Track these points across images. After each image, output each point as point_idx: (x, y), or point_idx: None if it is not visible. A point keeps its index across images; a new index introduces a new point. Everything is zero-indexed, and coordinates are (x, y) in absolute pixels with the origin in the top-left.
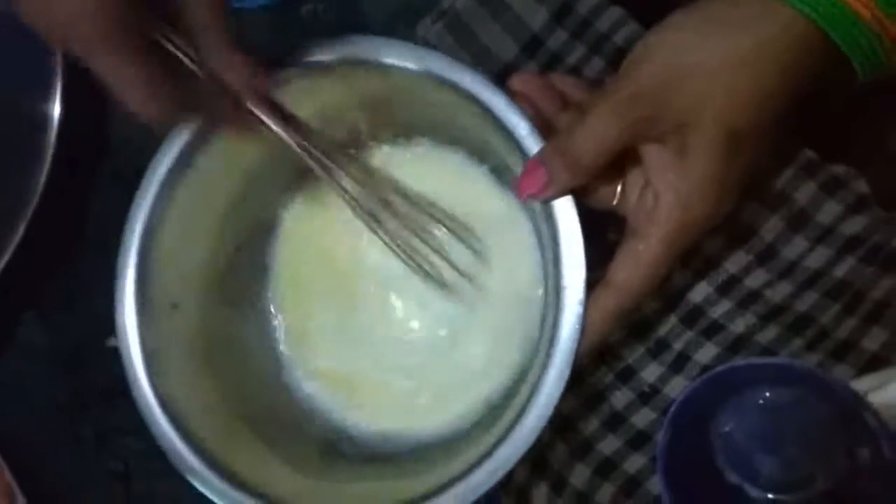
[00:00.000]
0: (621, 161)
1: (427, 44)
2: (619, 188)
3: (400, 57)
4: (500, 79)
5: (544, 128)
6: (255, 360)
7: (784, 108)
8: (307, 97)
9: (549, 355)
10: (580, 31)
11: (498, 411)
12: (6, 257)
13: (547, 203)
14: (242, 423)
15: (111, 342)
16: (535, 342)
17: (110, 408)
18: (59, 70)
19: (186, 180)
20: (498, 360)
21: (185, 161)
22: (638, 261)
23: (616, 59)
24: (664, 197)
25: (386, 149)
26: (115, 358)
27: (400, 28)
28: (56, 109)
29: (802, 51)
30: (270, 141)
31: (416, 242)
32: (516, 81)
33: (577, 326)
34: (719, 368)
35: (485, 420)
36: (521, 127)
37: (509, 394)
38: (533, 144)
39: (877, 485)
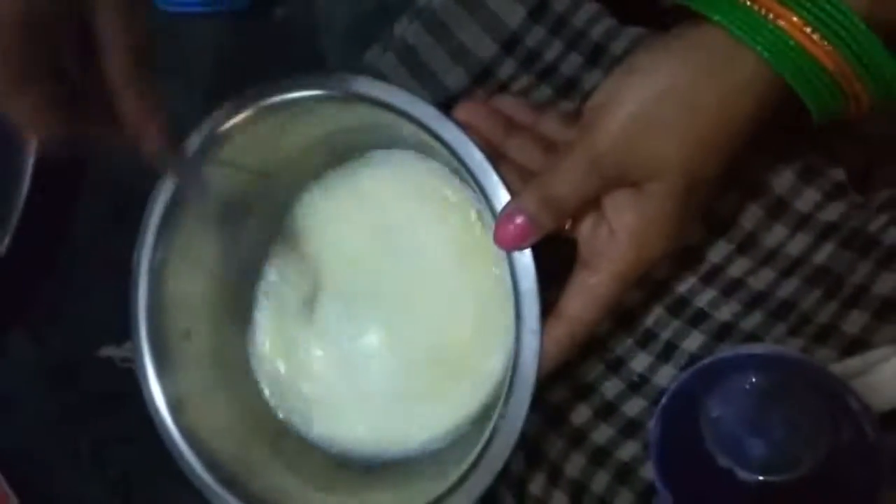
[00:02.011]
0: None
1: (405, 42)
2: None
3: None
4: (479, 78)
5: (494, 154)
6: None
7: (745, 145)
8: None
9: (511, 383)
10: (557, 27)
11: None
12: None
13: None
14: (258, 440)
15: (104, 352)
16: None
17: (107, 418)
18: None
19: (187, 211)
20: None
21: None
22: (590, 293)
23: (593, 55)
24: (620, 235)
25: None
26: (109, 367)
27: (375, 28)
28: None
29: (768, 96)
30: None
31: None
32: (461, 112)
33: (534, 356)
34: (707, 360)
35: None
36: (474, 156)
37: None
38: (485, 174)
39: (859, 464)
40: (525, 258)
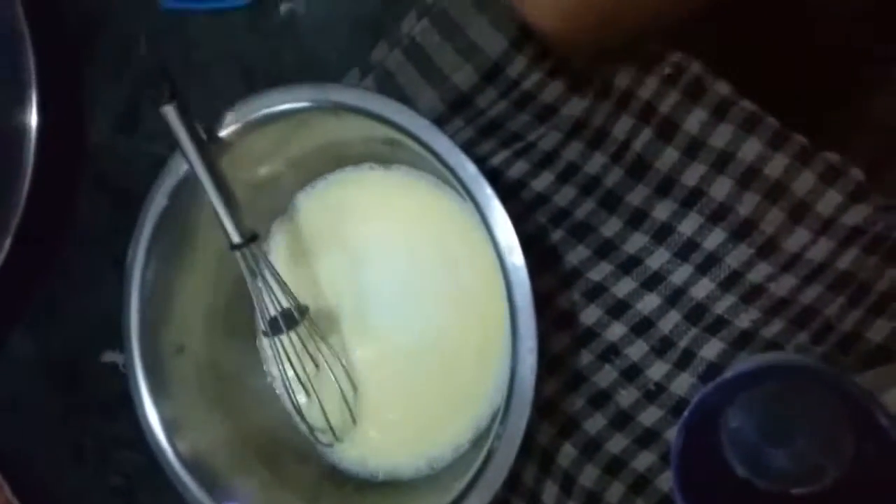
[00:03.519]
0: None
1: (413, 40)
2: None
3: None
4: (488, 75)
5: None
6: (259, 389)
7: None
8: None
9: (508, 401)
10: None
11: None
12: None
13: None
14: (252, 453)
15: (107, 357)
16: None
17: (109, 421)
18: (33, 81)
19: (178, 226)
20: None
21: (174, 208)
22: None
23: None
24: None
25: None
26: (113, 372)
27: (382, 24)
28: (33, 120)
29: None
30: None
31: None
32: None
33: (531, 374)
34: (727, 375)
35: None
36: (468, 168)
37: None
38: (479, 186)
39: (887, 478)
40: (521, 274)
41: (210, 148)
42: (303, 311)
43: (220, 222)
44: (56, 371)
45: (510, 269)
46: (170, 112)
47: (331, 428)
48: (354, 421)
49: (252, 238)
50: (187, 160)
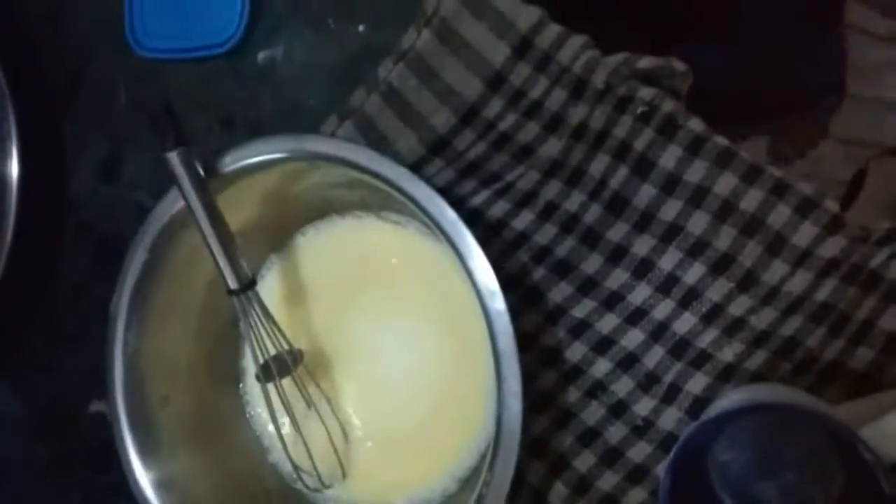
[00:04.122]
0: None
1: (390, 85)
2: None
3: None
4: (465, 117)
5: None
6: (244, 436)
7: None
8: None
9: (496, 447)
10: (542, 64)
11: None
12: None
13: None
14: (239, 500)
15: (94, 407)
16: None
17: (97, 470)
18: (13, 132)
19: (160, 278)
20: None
21: (156, 260)
22: None
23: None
24: None
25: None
26: (101, 422)
27: (359, 70)
28: (14, 171)
29: None
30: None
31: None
32: None
33: (517, 419)
34: (712, 413)
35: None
36: (447, 215)
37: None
38: (459, 234)
39: None
40: (503, 319)
41: (210, 193)
42: (296, 357)
43: (218, 268)
44: (43, 424)
45: (492, 314)
46: (173, 158)
47: (317, 472)
48: (344, 472)
49: (250, 284)
50: (189, 206)
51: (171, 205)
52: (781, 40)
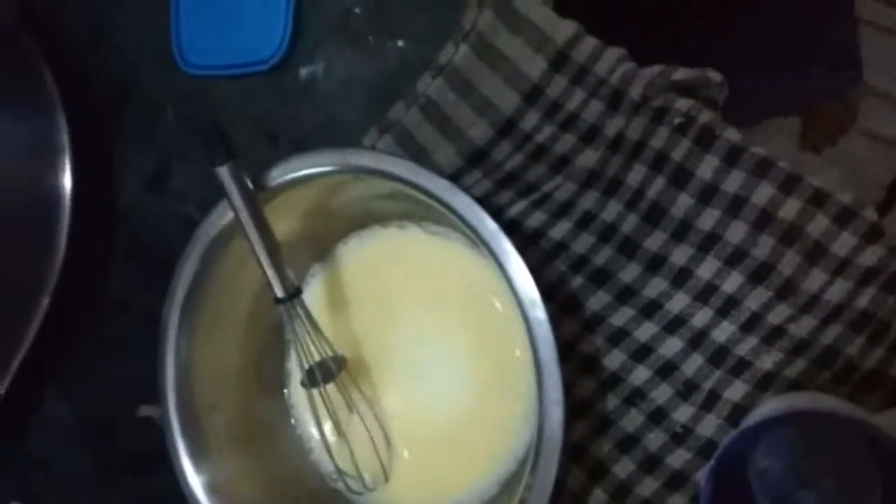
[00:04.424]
0: None
1: (429, 99)
2: None
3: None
4: (503, 130)
5: None
6: (289, 441)
7: None
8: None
9: (537, 454)
10: (579, 77)
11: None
12: (31, 335)
13: None
14: (284, 502)
15: (143, 411)
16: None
17: (145, 476)
18: (66, 145)
19: (210, 288)
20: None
21: (205, 271)
22: None
23: (613, 101)
24: None
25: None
26: (147, 426)
27: (399, 85)
28: (67, 183)
29: None
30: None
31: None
32: None
33: (559, 427)
34: (752, 422)
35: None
36: (488, 225)
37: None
38: (498, 243)
39: None
40: (544, 328)
41: (259, 206)
42: (340, 363)
43: (265, 278)
44: (89, 430)
45: (533, 323)
46: (224, 172)
47: (360, 476)
48: (386, 475)
49: (296, 293)
50: (239, 219)
51: (219, 217)
52: (796, 29)
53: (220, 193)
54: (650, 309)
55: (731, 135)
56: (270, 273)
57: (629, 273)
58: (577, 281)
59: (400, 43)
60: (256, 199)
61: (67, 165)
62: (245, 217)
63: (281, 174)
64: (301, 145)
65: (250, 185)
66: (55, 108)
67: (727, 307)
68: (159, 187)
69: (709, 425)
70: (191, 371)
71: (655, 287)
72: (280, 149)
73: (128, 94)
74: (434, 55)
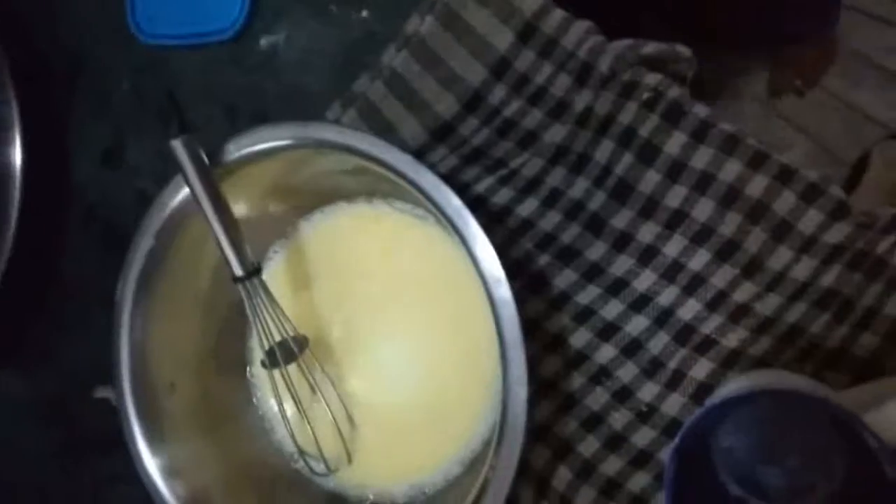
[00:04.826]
0: None
1: (393, 72)
2: None
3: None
4: (470, 104)
5: None
6: (251, 422)
7: None
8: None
9: (500, 434)
10: (547, 50)
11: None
12: None
13: None
14: (247, 486)
15: (99, 393)
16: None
17: (105, 458)
18: (16, 120)
19: (166, 264)
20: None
21: (161, 247)
22: None
23: (581, 75)
24: None
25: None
26: (106, 408)
27: (363, 56)
28: (17, 160)
29: None
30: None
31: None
32: None
33: (522, 407)
34: (716, 399)
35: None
36: (452, 202)
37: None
38: (463, 221)
39: (877, 495)
40: (509, 307)
41: (214, 181)
42: (301, 343)
43: (223, 255)
44: (50, 410)
45: (498, 302)
46: (177, 146)
47: (323, 457)
48: (350, 456)
49: (255, 271)
50: (193, 194)
51: (175, 192)
52: None
53: (175, 168)
54: (616, 287)
55: (700, 110)
56: (228, 250)
57: (596, 251)
58: (543, 259)
59: (364, 13)
60: (212, 173)
61: (18, 140)
62: (200, 192)
63: (239, 148)
64: (262, 118)
65: (205, 159)
66: (4, 82)
67: (693, 285)
68: (115, 162)
69: (674, 404)
70: (146, 351)
71: (622, 265)
72: (240, 122)
73: (82, 65)
74: (399, 26)
